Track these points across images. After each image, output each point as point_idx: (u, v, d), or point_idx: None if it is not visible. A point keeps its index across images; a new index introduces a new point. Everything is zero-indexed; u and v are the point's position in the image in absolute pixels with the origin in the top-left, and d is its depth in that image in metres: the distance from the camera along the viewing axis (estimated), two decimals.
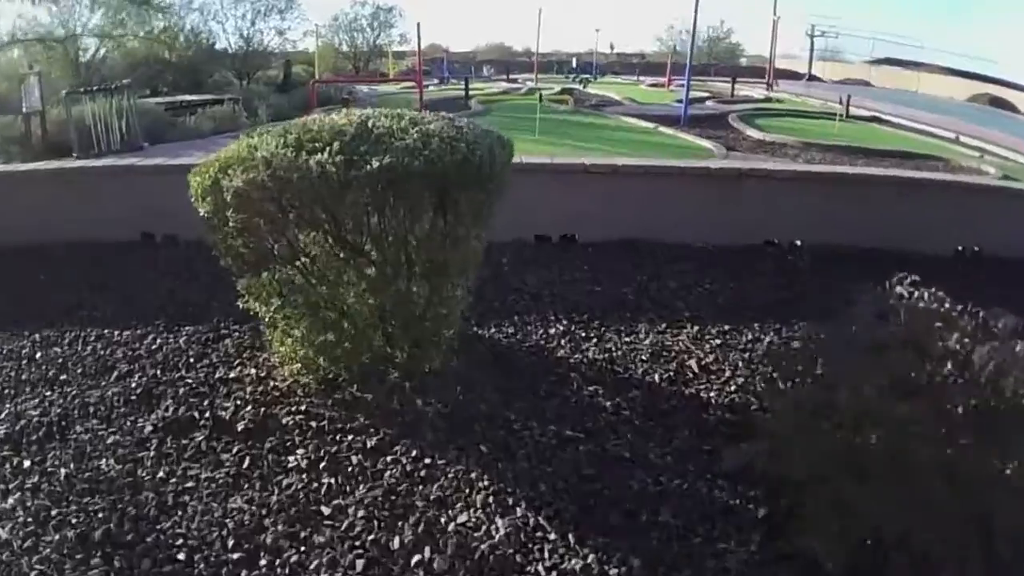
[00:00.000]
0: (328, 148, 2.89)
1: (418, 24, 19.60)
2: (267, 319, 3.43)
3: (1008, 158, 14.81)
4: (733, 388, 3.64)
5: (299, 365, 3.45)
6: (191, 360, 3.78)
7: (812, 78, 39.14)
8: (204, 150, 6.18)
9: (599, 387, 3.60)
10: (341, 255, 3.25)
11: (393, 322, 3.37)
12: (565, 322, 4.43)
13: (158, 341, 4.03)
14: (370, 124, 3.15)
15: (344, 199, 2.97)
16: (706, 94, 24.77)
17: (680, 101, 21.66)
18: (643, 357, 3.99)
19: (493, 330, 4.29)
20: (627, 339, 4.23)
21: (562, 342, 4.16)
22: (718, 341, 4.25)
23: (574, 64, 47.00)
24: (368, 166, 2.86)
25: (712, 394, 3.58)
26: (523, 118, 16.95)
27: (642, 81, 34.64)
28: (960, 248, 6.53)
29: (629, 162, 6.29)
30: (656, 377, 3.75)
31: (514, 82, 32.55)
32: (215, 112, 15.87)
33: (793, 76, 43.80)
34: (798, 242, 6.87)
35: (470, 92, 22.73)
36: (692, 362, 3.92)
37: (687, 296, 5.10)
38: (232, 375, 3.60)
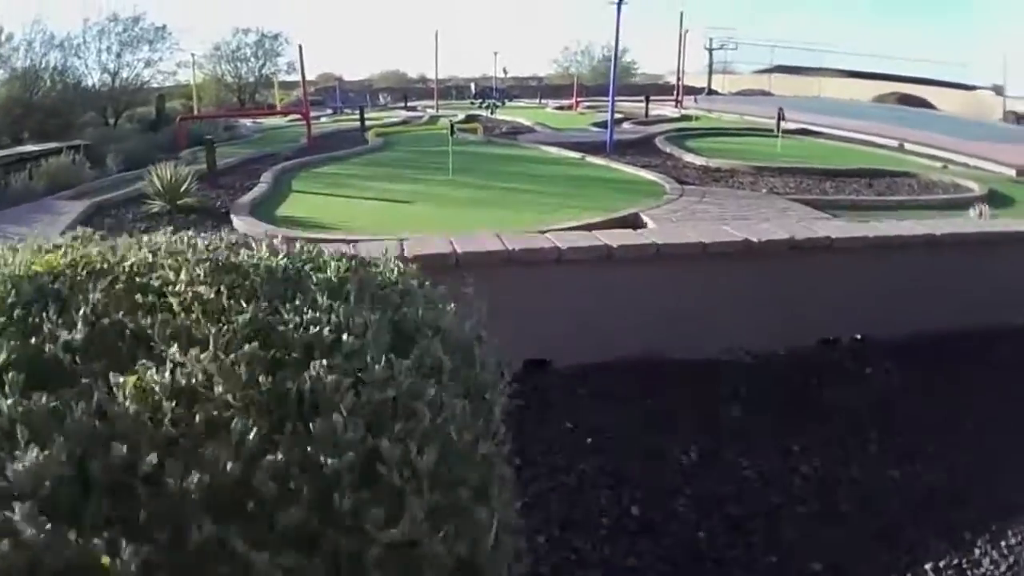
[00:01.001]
0: None
1: (300, 47, 16.81)
2: None
3: (970, 165, 13.39)
4: None
5: None
6: None
7: (711, 92, 38.41)
8: None
9: None
10: None
11: None
12: None
13: None
14: None
15: None
16: (619, 115, 22.96)
17: (598, 125, 19.80)
18: None
19: None
20: None
21: None
22: None
23: (473, 89, 45.01)
24: None
25: None
26: (430, 152, 14.48)
27: (546, 104, 32.81)
28: None
29: (626, 241, 3.99)
30: None
31: (413, 110, 30.01)
32: (52, 165, 12.68)
33: (691, 92, 43.23)
34: (858, 336, 4.78)
35: (366, 123, 20.10)
36: None
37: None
38: None
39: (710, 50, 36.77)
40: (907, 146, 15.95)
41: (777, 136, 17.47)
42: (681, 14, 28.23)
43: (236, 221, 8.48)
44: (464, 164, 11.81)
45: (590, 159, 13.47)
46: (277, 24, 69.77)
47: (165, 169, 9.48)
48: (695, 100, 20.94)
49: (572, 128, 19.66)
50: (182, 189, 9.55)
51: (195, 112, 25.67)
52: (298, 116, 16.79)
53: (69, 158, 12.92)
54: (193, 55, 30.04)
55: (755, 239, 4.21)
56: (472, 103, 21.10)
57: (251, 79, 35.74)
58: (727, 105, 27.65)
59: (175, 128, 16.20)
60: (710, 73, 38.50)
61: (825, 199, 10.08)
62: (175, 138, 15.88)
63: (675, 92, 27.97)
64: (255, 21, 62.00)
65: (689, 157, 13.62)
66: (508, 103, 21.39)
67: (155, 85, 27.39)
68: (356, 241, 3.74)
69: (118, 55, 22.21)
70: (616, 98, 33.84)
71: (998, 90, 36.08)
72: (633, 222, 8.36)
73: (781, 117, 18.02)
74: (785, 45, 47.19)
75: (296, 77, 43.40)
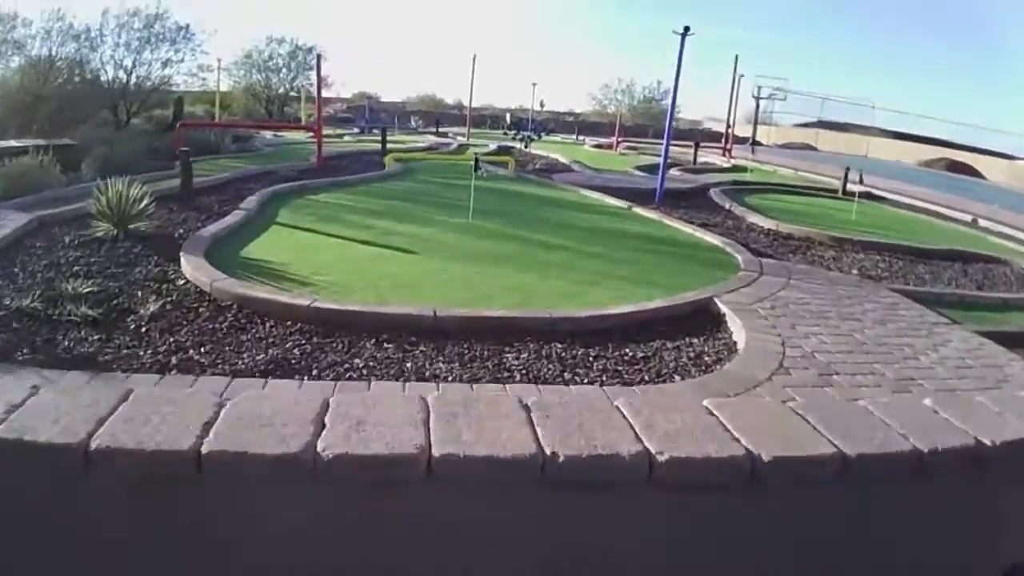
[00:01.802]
0: None
1: (318, 56, 14.92)
2: None
3: None
4: None
5: None
6: None
7: (755, 143, 36.23)
8: None
9: None
10: None
11: None
12: None
13: None
14: None
15: None
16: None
17: (642, 169, 17.74)
18: None
19: None
20: None
21: None
22: None
23: (508, 120, 43.29)
24: None
25: None
26: (451, 186, 12.45)
27: (582, 141, 30.87)
28: None
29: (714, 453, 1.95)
30: None
31: (443, 136, 28.20)
32: (16, 167, 10.80)
33: (735, 141, 41.08)
34: None
35: (387, 146, 18.20)
36: None
37: None
38: None
39: (757, 99, 34.54)
40: (980, 221, 13.76)
41: (843, 198, 15.37)
42: (736, 57, 26.16)
43: (185, 262, 6.45)
44: (488, 204, 9.75)
45: (638, 210, 11.37)
46: (315, 37, 69.06)
47: (113, 186, 7.50)
48: (752, 151, 18.80)
49: (613, 170, 17.60)
50: (134, 212, 7.57)
51: (216, 119, 24.03)
52: (312, 131, 14.90)
53: (37, 160, 11.03)
54: (219, 60, 28.52)
55: (941, 447, 2.13)
56: (506, 134, 19.14)
57: (281, 90, 34.20)
58: (774, 157, 25.52)
59: (181, 134, 14.34)
60: (755, 123, 36.26)
61: (929, 292, 7.89)
62: (179, 143, 14.02)
63: (723, 140, 25.88)
64: (292, 31, 61.02)
65: (754, 217, 11.46)
66: (544, 137, 19.38)
67: (177, 87, 25.89)
68: None
69: (136, 51, 20.48)
70: (650, 140, 31.84)
71: None
72: (705, 310, 6.20)
73: (850, 179, 15.88)
74: (836, 99, 44.71)
75: (330, 93, 42.18)
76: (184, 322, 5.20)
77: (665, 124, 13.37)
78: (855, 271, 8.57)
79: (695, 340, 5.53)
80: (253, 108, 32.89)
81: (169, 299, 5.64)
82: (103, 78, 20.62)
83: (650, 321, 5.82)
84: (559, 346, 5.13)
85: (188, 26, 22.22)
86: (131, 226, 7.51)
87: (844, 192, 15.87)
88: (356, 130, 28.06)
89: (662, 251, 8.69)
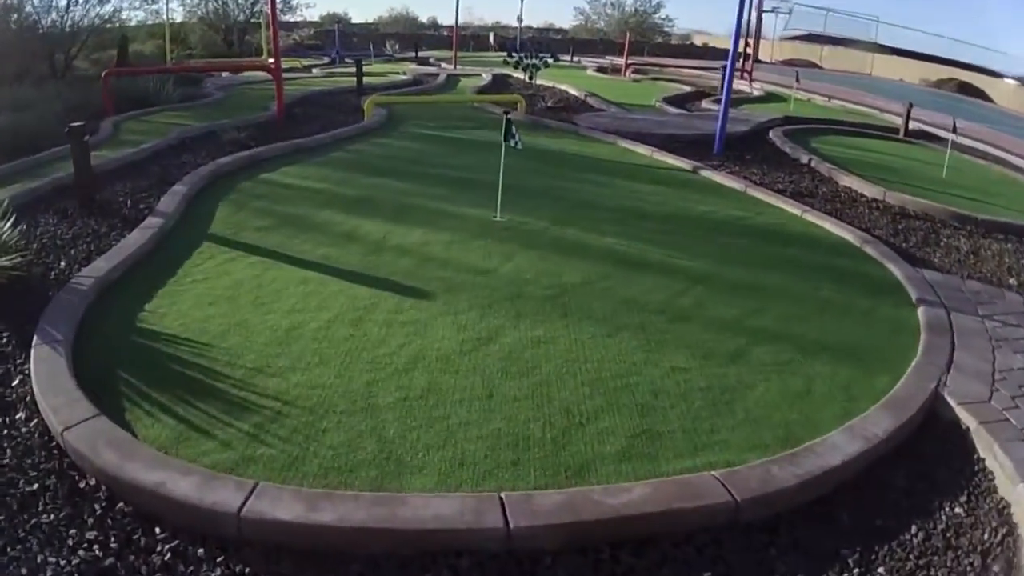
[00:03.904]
0: None
1: None
2: None
3: None
4: None
5: None
6: None
7: (757, 60, 32.57)
8: None
9: None
10: None
11: None
12: None
13: None
14: None
15: None
16: (688, 87, 17.71)
17: (670, 102, 14.57)
18: None
19: None
20: None
21: None
22: None
23: (492, 40, 38.89)
24: None
25: None
26: (453, 143, 9.33)
27: (578, 62, 27.21)
28: None
29: None
30: None
31: (425, 62, 24.47)
32: None
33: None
34: None
35: (364, 81, 14.79)
36: None
37: None
38: None
39: (760, 12, 30.78)
40: None
41: (906, 140, 12.46)
42: None
43: (35, 367, 3.51)
44: (512, 176, 6.67)
45: (707, 174, 8.41)
46: None
47: None
48: (798, 79, 15.58)
49: (637, 103, 14.41)
50: None
51: (167, 56, 20.21)
52: (268, 71, 11.43)
53: None
54: None
55: None
56: (507, 61, 15.76)
57: (240, 17, 29.88)
58: (781, 77, 22.25)
59: (102, 86, 10.93)
60: (757, 39, 32.52)
61: None
62: (104, 103, 10.70)
63: (743, 61, 22.48)
64: None
65: (848, 179, 8.54)
66: (552, 63, 15.99)
67: (127, 22, 21.81)
68: None
69: None
70: (649, 58, 28.21)
71: None
72: (932, 418, 3.43)
73: (907, 115, 12.90)
74: (840, 13, 40.67)
75: (296, 17, 37.60)
76: None
77: (734, 51, 10.18)
78: (1011, 279, 5.77)
79: (949, 508, 2.83)
80: (210, 40, 28.71)
81: None
82: (42, 23, 16.76)
83: (872, 464, 3.13)
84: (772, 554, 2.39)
85: None
86: None
87: (906, 132, 12.93)
88: (327, 60, 24.27)
89: (782, 260, 5.79)
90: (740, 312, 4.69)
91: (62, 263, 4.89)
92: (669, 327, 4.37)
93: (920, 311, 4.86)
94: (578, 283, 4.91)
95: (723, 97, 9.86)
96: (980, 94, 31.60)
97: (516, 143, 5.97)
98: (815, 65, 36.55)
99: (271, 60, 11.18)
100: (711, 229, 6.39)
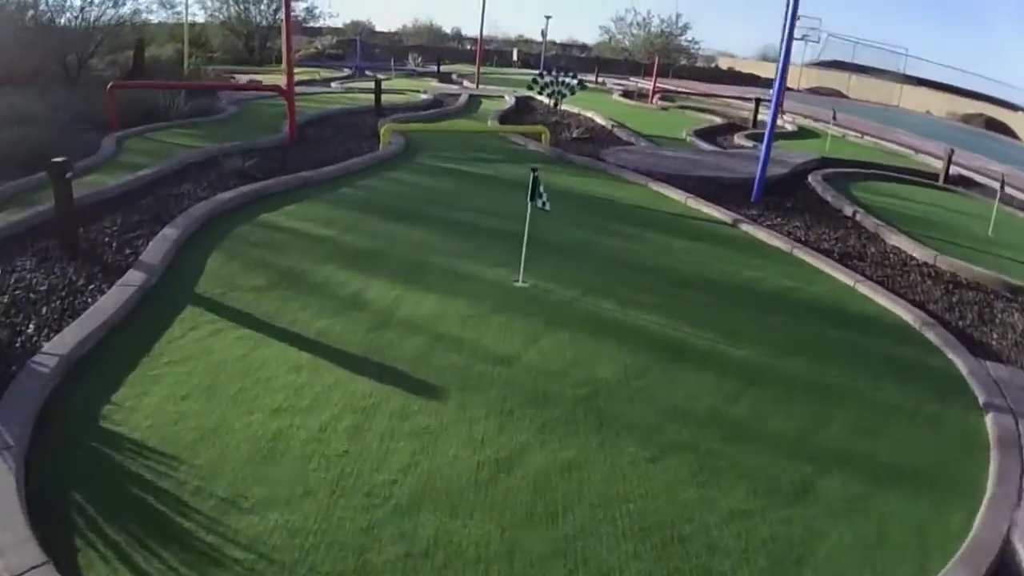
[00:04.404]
0: None
1: None
2: None
3: None
4: None
5: None
6: None
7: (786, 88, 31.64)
8: None
9: None
10: None
11: None
12: None
13: None
14: None
15: None
16: (718, 118, 17.02)
17: (701, 135, 13.88)
18: None
19: None
20: None
21: None
22: None
23: (515, 55, 38.29)
24: None
25: None
26: (471, 178, 8.67)
27: (603, 84, 26.58)
28: None
29: None
30: None
31: (447, 79, 23.90)
32: None
33: (756, 82, 36.70)
34: None
35: (382, 99, 14.20)
36: None
37: None
38: None
39: (790, 39, 30.05)
40: None
41: (945, 188, 11.73)
42: None
43: None
44: (537, 229, 5.99)
45: (748, 228, 7.72)
46: None
47: None
48: (833, 116, 14.74)
49: (666, 136, 13.75)
50: None
51: (185, 59, 19.75)
52: (281, 94, 10.77)
53: None
54: None
55: None
56: (532, 85, 15.16)
57: (263, 23, 29.51)
58: (809, 107, 21.53)
59: (108, 98, 10.36)
60: (784, 67, 31.78)
61: None
62: (109, 115, 10.15)
63: (771, 89, 21.78)
64: None
65: (896, 239, 7.85)
66: (580, 89, 15.35)
67: (148, 23, 21.36)
68: None
69: None
70: (671, 81, 27.45)
71: None
72: None
73: (948, 159, 12.17)
74: (869, 43, 39.77)
75: (318, 24, 37.13)
76: None
77: (780, 88, 9.49)
78: None
79: None
80: (232, 45, 28.34)
81: None
82: (56, 21, 16.26)
83: None
84: None
85: None
86: None
87: (946, 179, 12.20)
88: (347, 72, 23.75)
89: (840, 348, 5.08)
90: (803, 424, 3.99)
91: (31, 326, 4.26)
92: (723, 448, 3.67)
93: (988, 419, 4.24)
94: (613, 379, 4.22)
95: (764, 145, 9.14)
96: (1005, 129, 30.75)
97: (543, 203, 5.30)
98: (841, 94, 35.83)
99: (284, 81, 10.57)
100: (759, 304, 5.69)
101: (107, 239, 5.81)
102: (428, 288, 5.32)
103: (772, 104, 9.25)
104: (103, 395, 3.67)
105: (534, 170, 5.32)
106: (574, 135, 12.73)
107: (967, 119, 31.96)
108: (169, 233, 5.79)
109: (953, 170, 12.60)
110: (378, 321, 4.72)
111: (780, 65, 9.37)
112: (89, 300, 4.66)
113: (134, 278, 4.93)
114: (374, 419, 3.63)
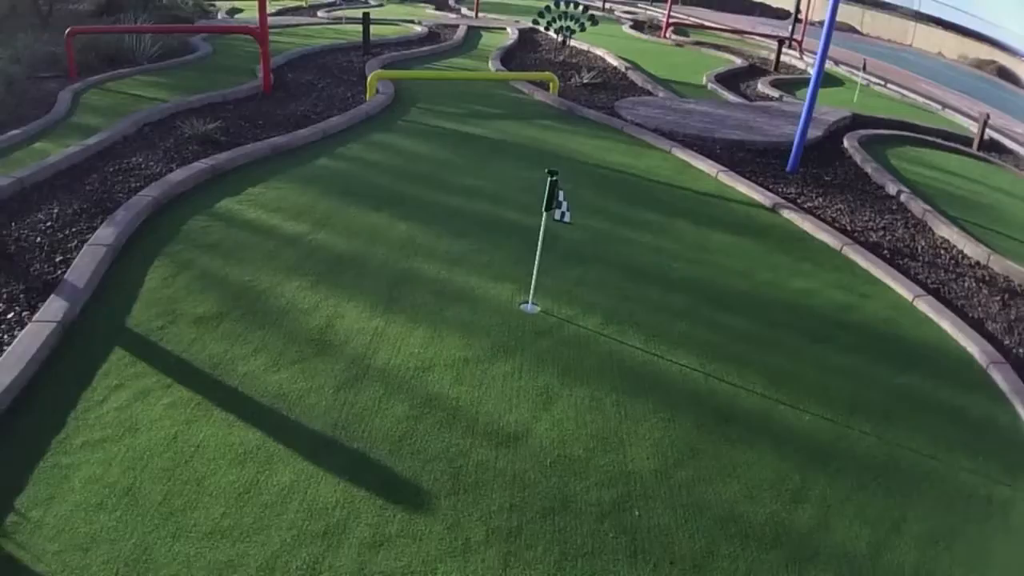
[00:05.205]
0: None
1: None
2: None
3: None
4: None
5: None
6: None
7: (796, 20, 29.58)
8: None
9: None
10: None
11: None
12: None
13: None
14: None
15: None
16: (736, 57, 15.58)
17: (721, 81, 12.58)
18: None
19: None
20: None
21: None
22: None
23: None
24: None
25: None
26: (468, 140, 7.51)
27: (613, 15, 24.70)
28: None
29: None
30: None
31: (444, 6, 22.09)
32: None
33: (768, 11, 34.40)
34: None
35: (371, 36, 12.75)
36: None
37: None
38: None
39: None
40: None
41: (981, 156, 10.62)
42: None
43: None
44: (550, 221, 4.97)
45: (790, 216, 6.68)
46: None
47: None
48: (864, 67, 13.33)
49: (685, 81, 12.44)
50: None
51: None
52: (253, 36, 9.36)
53: None
54: None
55: None
56: (538, 20, 13.73)
57: None
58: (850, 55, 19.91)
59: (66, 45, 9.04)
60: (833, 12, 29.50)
61: None
62: (68, 62, 8.89)
63: (792, 27, 20.18)
64: None
65: (946, 230, 6.88)
66: (589, 24, 13.95)
67: None
68: None
69: None
70: (709, 17, 25.57)
71: None
72: None
73: (983, 124, 10.98)
74: None
75: None
76: None
77: (828, 32, 8.18)
78: None
79: None
80: None
81: None
82: None
83: None
84: None
85: None
86: None
87: (980, 145, 11.07)
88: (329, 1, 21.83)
89: (907, 404, 4.18)
90: (873, 534, 3.15)
91: None
92: None
93: None
94: (648, 470, 3.32)
95: (805, 109, 7.95)
96: (1016, 80, 29.04)
97: (564, 215, 4.29)
98: (855, 30, 33.71)
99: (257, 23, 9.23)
100: (814, 333, 4.73)
101: (39, 239, 4.80)
102: (414, 317, 4.34)
103: (817, 63, 7.99)
104: (5, 499, 2.80)
105: (552, 174, 4.26)
106: (584, 80, 11.44)
107: (979, 65, 30.15)
108: (104, 236, 4.76)
109: (958, 117, 11.54)
110: (351, 374, 3.77)
111: (829, 14, 8.04)
112: (4, 338, 3.72)
113: (54, 310, 3.95)
114: (339, 551, 2.74)
